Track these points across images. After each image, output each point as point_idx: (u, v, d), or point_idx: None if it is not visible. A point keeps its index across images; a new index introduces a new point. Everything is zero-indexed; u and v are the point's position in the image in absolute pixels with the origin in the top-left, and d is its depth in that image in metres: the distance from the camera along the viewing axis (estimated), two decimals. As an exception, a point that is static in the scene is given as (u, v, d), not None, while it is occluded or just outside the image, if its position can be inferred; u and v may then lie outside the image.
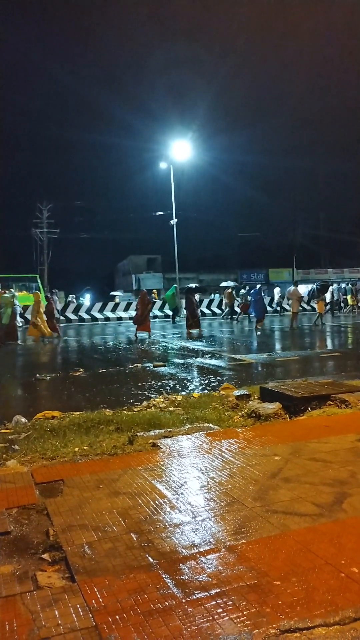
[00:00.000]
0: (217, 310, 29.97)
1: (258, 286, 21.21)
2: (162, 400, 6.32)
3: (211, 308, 30.82)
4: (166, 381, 8.19)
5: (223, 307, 27.52)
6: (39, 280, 35.33)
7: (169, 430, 4.77)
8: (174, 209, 31.49)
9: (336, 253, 60.33)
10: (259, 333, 17.63)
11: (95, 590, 2.10)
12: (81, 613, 1.95)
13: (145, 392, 7.27)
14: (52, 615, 1.95)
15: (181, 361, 10.65)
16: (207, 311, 29.91)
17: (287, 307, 26.58)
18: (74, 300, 33.41)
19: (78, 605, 2.00)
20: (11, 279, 34.02)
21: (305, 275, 54.09)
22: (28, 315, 26.53)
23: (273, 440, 4.16)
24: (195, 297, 19.50)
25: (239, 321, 23.67)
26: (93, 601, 2.02)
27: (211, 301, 31.83)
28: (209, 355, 11.47)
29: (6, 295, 16.64)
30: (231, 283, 37.03)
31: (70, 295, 36.75)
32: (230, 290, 26.58)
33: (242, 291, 27.94)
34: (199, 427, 4.88)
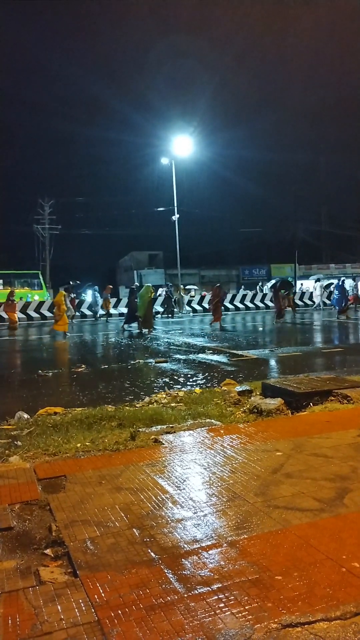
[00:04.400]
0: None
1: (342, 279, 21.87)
2: (164, 396, 6.33)
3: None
4: (168, 377, 8.20)
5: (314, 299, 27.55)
6: (40, 277, 35.32)
7: (171, 426, 4.78)
8: (175, 205, 31.42)
9: (338, 248, 60.24)
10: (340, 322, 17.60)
11: (98, 585, 2.11)
12: (83, 608, 1.96)
13: (147, 388, 7.28)
14: (54, 610, 1.96)
15: (183, 357, 10.65)
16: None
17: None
18: (75, 297, 33.39)
19: (80, 600, 2.01)
20: (13, 275, 34.05)
21: (308, 270, 54.04)
22: (29, 312, 26.65)
23: (275, 436, 4.16)
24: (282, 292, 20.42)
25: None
26: (95, 596, 2.03)
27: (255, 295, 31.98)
28: (211, 351, 11.47)
29: (148, 285, 18.09)
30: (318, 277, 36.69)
31: (72, 295, 36.74)
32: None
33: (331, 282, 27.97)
34: (201, 422, 4.88)
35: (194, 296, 33.59)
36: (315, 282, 30.03)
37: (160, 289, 28.97)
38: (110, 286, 26.28)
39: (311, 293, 31.57)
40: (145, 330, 17.13)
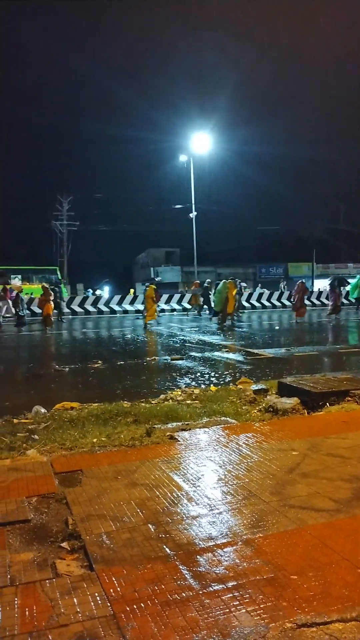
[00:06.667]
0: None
1: None
2: (179, 393, 6.34)
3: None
4: (184, 374, 8.21)
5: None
6: (58, 273, 35.53)
7: (186, 423, 4.79)
8: (193, 202, 31.37)
9: (356, 247, 59.60)
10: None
11: (113, 579, 2.13)
12: (99, 601, 1.98)
13: (163, 385, 7.29)
14: (70, 602, 1.98)
15: (199, 355, 10.65)
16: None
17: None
18: (89, 295, 33.60)
19: (96, 594, 2.03)
20: (31, 271, 34.32)
21: (325, 269, 53.60)
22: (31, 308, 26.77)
23: (291, 435, 4.15)
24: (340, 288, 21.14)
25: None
26: (111, 590, 2.05)
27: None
28: (227, 349, 11.45)
29: (226, 281, 18.65)
30: None
31: (87, 290, 37.04)
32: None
33: None
34: (216, 420, 4.88)
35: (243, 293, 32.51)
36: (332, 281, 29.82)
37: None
38: (197, 282, 26.40)
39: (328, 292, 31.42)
40: (228, 322, 18.15)
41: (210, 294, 19.94)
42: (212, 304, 20.23)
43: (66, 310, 25.60)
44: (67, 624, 1.86)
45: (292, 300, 20.96)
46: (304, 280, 21.44)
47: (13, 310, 19.40)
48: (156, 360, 10.06)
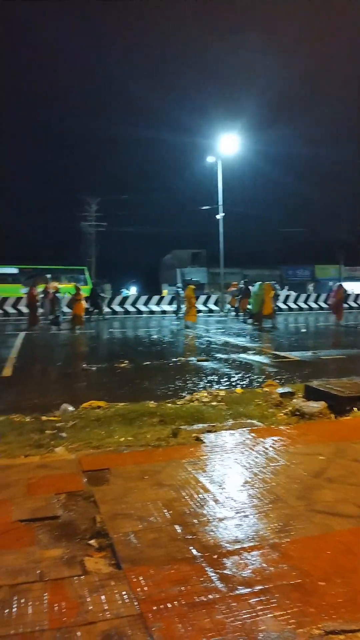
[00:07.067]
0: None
1: None
2: (205, 394, 6.34)
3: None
4: (209, 376, 8.21)
5: None
6: (86, 273, 35.85)
7: (212, 425, 4.79)
8: (220, 204, 31.26)
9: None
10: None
11: (141, 578, 2.15)
12: (127, 600, 2.00)
13: (189, 386, 7.31)
14: (98, 600, 2.01)
15: (225, 356, 10.63)
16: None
17: None
18: (127, 294, 33.82)
19: (124, 593, 2.05)
20: (61, 270, 34.71)
21: (352, 272, 52.91)
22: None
23: (317, 440, 4.12)
24: None
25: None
26: (138, 589, 2.07)
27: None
28: (253, 352, 11.41)
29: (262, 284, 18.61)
30: None
31: (121, 290, 37.28)
32: None
33: None
34: (242, 423, 4.88)
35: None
36: None
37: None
38: (236, 282, 26.47)
39: (356, 295, 31.12)
40: (269, 323, 18.13)
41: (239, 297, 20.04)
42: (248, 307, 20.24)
43: (106, 309, 25.93)
44: (94, 621, 1.88)
45: (328, 302, 20.89)
46: (341, 284, 21.28)
47: (49, 309, 19.78)
48: (182, 361, 10.08)
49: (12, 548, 2.42)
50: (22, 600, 2.01)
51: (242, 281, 25.36)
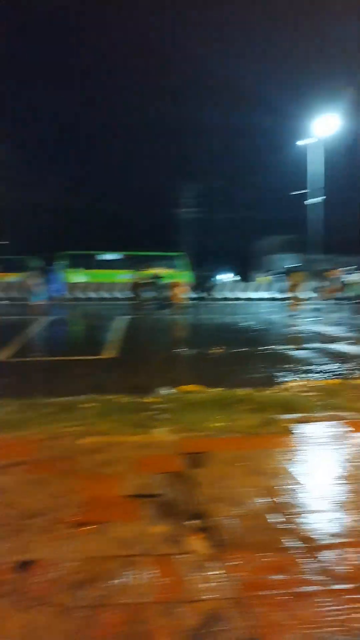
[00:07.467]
0: None
1: None
2: (297, 384, 6.30)
3: None
4: (301, 365, 8.12)
5: None
6: (186, 258, 36.33)
7: (303, 415, 4.76)
8: (322, 187, 30.25)
9: None
10: None
11: (239, 563, 2.24)
12: (226, 583, 2.10)
13: (279, 375, 7.28)
14: (199, 580, 2.12)
15: (316, 345, 10.44)
16: None
17: None
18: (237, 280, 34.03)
19: (223, 575, 2.15)
20: (161, 257, 35.52)
21: None
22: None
23: None
24: None
25: None
26: (238, 574, 2.16)
27: None
28: (347, 342, 11.08)
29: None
30: None
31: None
32: None
33: None
34: (335, 415, 4.80)
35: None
36: None
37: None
38: (339, 269, 26.16)
39: None
40: None
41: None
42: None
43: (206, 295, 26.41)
44: (196, 599, 2.00)
45: None
46: None
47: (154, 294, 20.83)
48: (276, 349, 10.03)
49: (121, 521, 2.59)
50: (131, 573, 2.17)
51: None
